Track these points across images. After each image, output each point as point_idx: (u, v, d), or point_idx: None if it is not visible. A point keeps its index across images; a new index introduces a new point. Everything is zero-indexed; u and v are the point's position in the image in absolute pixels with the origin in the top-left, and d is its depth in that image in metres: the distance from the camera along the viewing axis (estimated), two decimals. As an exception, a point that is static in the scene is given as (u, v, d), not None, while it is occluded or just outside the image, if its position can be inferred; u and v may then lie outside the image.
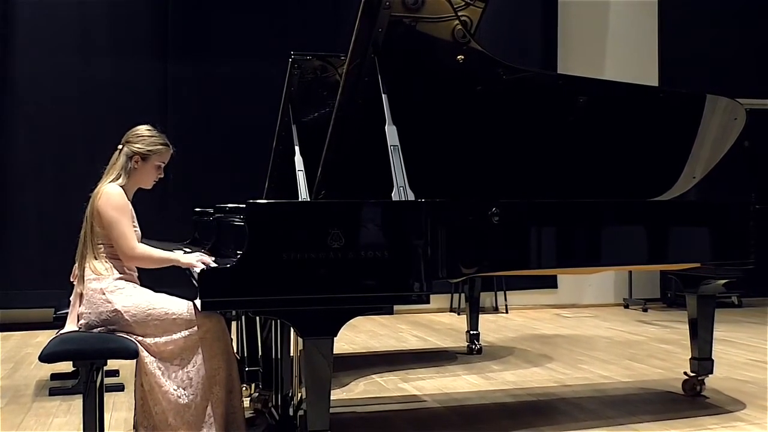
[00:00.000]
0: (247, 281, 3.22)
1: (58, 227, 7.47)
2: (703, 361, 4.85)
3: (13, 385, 5.40)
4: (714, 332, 4.84)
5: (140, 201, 3.90)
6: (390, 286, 3.37)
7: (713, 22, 9.92)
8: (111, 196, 3.64)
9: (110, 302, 3.54)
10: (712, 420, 4.41)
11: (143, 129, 3.84)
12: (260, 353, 4.57)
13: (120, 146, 3.81)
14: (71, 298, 3.80)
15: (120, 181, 3.72)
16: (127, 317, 3.52)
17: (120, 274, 3.63)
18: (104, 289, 3.56)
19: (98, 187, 3.71)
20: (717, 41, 9.85)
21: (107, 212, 3.61)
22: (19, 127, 7.88)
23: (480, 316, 6.50)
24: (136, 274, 3.77)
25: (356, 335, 7.32)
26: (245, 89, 8.11)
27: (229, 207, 4.62)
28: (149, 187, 3.90)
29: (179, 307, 3.57)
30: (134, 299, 3.57)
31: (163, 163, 3.87)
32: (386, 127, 3.64)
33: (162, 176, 3.92)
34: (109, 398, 4.54)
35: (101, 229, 3.64)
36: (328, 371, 3.34)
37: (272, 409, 4.26)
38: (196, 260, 3.77)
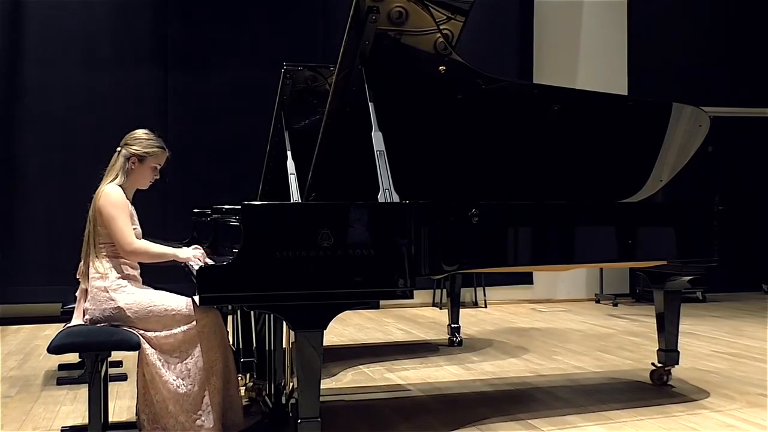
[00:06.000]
0: (242, 278, 3.22)
1: (64, 227, 7.45)
2: (669, 353, 4.88)
3: (23, 375, 5.38)
4: (679, 325, 4.87)
5: (141, 202, 3.90)
6: (376, 282, 3.37)
7: (680, 32, 10.00)
8: (110, 194, 3.64)
9: (113, 300, 3.54)
10: (678, 408, 4.43)
11: (141, 132, 3.83)
12: (255, 345, 4.56)
13: (119, 148, 3.80)
14: (77, 294, 3.79)
15: (118, 180, 3.72)
16: (129, 314, 3.52)
17: (118, 274, 3.63)
18: (108, 287, 3.56)
19: (99, 188, 3.71)
20: (683, 51, 9.94)
21: (106, 209, 3.60)
22: (28, 133, 7.86)
23: (460, 310, 6.51)
24: (138, 272, 3.76)
25: (344, 328, 7.32)
26: (240, 98, 8.09)
27: (226, 208, 4.62)
28: (146, 188, 3.89)
29: (178, 303, 3.57)
30: (136, 297, 3.57)
31: (159, 164, 3.86)
32: (373, 133, 3.65)
33: (158, 177, 3.92)
34: (112, 387, 4.54)
35: (102, 228, 3.63)
36: (318, 362, 3.34)
37: (266, 397, 4.26)
38: (192, 255, 3.78)
